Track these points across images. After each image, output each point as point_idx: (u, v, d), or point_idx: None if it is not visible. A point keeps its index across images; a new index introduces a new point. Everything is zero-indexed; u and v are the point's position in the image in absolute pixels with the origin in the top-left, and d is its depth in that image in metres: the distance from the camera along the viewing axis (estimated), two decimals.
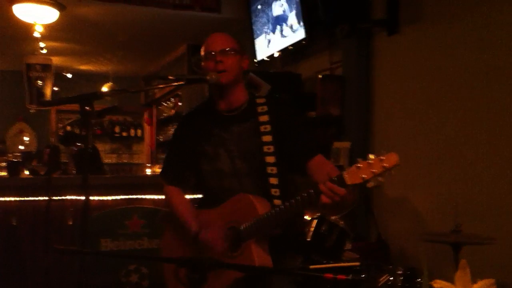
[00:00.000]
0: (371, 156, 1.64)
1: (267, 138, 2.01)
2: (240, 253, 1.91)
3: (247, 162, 2.03)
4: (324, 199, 1.70)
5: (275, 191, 1.98)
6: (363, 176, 1.64)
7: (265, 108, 2.06)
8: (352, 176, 1.66)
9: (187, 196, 2.23)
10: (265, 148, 2.01)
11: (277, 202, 1.96)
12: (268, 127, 2.02)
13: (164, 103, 7.77)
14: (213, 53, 2.02)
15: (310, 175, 2.01)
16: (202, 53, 2.08)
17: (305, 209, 1.90)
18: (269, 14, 4.74)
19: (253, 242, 1.89)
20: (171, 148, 2.29)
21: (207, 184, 2.11)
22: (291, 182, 2.07)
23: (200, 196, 2.23)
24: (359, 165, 1.65)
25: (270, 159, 2.00)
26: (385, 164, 1.61)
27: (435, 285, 1.10)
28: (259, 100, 2.10)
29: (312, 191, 1.75)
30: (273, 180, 1.99)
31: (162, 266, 2.22)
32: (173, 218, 2.18)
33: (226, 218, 1.98)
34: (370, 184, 1.65)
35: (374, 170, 1.62)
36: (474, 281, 1.11)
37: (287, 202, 1.84)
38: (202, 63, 2.08)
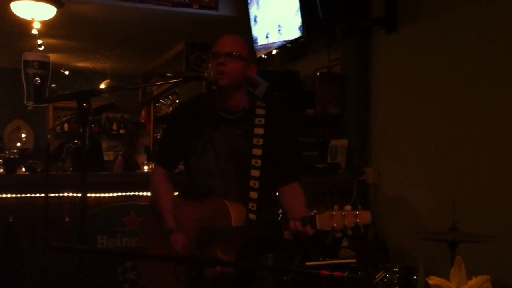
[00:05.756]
0: (347, 208, 1.69)
1: (257, 152, 2.05)
2: (206, 253, 1.95)
3: (232, 163, 2.06)
4: (287, 235, 1.79)
5: (253, 194, 2.01)
6: (334, 225, 1.69)
7: (262, 120, 2.08)
8: (324, 222, 1.71)
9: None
10: (253, 151, 2.04)
11: (252, 204, 1.99)
12: (261, 141, 2.06)
13: (161, 101, 7.76)
14: (218, 53, 2.02)
15: (279, 198, 2.07)
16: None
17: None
18: (267, 11, 4.73)
19: (220, 245, 1.94)
20: (166, 136, 2.34)
21: (192, 180, 2.15)
22: (274, 188, 2.12)
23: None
24: (333, 213, 1.69)
25: (256, 162, 2.03)
26: (357, 220, 1.66)
27: (430, 281, 1.11)
28: (259, 111, 2.10)
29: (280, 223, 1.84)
30: (253, 183, 2.02)
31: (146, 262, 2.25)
32: (152, 207, 2.22)
33: (200, 217, 2.03)
34: (337, 234, 1.70)
35: (345, 223, 1.67)
36: (469, 278, 1.12)
37: (257, 222, 1.93)
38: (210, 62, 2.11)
